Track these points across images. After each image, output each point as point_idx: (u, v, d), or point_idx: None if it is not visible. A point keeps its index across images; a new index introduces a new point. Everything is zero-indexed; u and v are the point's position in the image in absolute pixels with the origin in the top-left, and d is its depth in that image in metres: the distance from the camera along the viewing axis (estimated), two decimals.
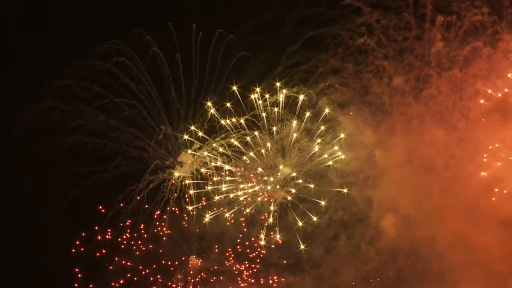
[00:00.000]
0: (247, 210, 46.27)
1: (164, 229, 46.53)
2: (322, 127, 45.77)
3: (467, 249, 42.29)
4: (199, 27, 44.13)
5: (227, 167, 46.00)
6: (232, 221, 46.36)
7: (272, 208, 46.08)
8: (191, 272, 46.63)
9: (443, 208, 42.79)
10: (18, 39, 44.64)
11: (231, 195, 46.24)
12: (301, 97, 44.87)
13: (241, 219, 46.48)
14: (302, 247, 45.75)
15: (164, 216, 46.23)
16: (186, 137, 45.95)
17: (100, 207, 45.19)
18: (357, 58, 44.11)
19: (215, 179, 46.28)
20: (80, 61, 43.61)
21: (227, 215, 46.19)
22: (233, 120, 45.57)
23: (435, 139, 43.02)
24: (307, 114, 45.72)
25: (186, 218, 46.61)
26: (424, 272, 44.29)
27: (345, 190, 45.46)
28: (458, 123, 43.51)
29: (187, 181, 46.32)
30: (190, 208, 46.18)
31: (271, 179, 46.53)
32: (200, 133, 46.05)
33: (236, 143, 46.00)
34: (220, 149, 46.15)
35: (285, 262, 46.35)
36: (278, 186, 46.35)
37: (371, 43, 43.41)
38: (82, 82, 44.10)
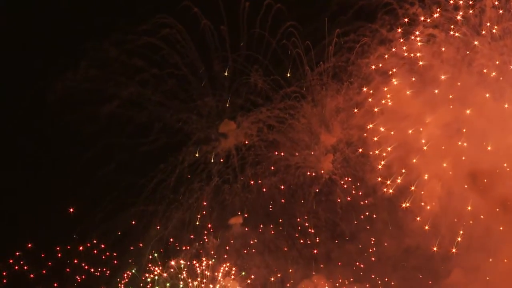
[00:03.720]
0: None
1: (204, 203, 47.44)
2: None
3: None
4: None
5: None
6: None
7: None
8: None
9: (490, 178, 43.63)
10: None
11: None
12: None
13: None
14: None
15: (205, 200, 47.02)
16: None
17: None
18: (407, 28, 44.26)
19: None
20: (125, 35, 43.81)
21: None
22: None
23: (485, 110, 43.43)
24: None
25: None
26: (467, 244, 44.97)
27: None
28: (506, 93, 43.85)
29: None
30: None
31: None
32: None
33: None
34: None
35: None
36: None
37: (421, 12, 43.55)
38: (126, 55, 44.35)
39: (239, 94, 46.66)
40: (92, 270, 46.23)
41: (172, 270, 46.70)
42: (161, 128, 46.13)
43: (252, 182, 47.48)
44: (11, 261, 43.78)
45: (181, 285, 46.69)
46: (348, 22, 44.32)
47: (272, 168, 47.36)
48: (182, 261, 46.74)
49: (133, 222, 46.51)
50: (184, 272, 46.40)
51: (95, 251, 46.11)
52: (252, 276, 47.26)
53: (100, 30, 43.68)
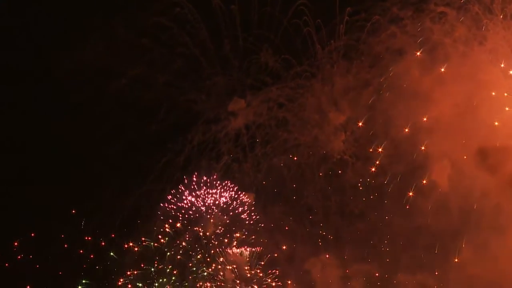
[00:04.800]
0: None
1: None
2: None
3: None
4: None
5: None
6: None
7: None
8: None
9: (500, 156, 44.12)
10: None
11: None
12: None
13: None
14: None
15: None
16: None
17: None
18: (419, 5, 44.46)
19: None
20: (135, 14, 44.20)
21: None
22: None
23: (495, 88, 43.85)
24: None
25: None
26: (478, 225, 45.30)
27: None
28: None
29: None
30: None
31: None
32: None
33: None
34: None
35: None
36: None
37: None
38: (136, 34, 44.63)
39: (249, 73, 47.03)
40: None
41: (164, 240, 46.78)
42: (170, 108, 46.52)
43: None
44: (14, 250, 44.19)
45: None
46: (359, 0, 44.56)
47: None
48: (179, 225, 46.89)
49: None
50: (183, 242, 46.52)
51: (103, 243, 46.55)
52: (276, 254, 47.68)
53: (110, 9, 44.05)
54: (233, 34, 45.91)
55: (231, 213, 48.56)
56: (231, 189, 48.73)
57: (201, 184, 48.44)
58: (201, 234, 46.91)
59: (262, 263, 47.21)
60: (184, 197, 48.28)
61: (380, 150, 47.11)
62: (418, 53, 45.21)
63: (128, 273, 45.20)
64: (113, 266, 45.87)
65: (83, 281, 44.94)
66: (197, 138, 47.22)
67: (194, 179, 48.42)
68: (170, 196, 47.84)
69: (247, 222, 48.36)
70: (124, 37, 44.82)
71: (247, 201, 48.44)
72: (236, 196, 48.74)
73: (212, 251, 46.72)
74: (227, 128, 47.47)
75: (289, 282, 47.34)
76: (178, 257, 46.26)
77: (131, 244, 45.64)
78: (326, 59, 46.36)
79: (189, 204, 48.24)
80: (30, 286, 44.17)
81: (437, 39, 44.79)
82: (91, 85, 44.06)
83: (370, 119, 47.24)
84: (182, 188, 48.51)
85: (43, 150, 45.13)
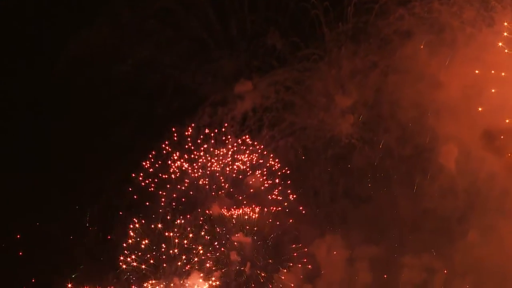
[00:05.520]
0: None
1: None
2: None
3: None
4: None
5: None
6: None
7: None
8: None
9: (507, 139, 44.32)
10: None
11: None
12: None
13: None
14: None
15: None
16: None
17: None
18: None
19: None
20: None
21: None
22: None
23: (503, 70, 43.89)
24: None
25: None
26: (484, 208, 45.62)
27: None
28: None
29: None
30: None
31: None
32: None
33: None
34: None
35: None
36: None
37: None
38: (142, 17, 45.01)
39: (256, 56, 47.15)
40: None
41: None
42: (176, 90, 47.02)
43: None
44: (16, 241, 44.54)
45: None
46: None
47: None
48: (180, 208, 46.69)
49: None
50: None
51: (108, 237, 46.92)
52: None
53: None
54: (240, 16, 45.95)
55: (251, 190, 48.33)
56: (252, 148, 48.12)
57: (199, 140, 47.25)
58: (202, 219, 46.75)
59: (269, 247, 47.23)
60: (170, 162, 47.40)
61: (387, 133, 47.28)
62: (427, 37, 45.12)
63: (129, 259, 45.13)
64: (114, 256, 46.01)
65: (81, 267, 45.26)
66: (203, 120, 47.11)
67: (190, 131, 47.30)
68: (147, 164, 47.03)
69: (280, 209, 47.67)
70: (130, 19, 44.91)
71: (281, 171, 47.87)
72: (261, 161, 48.00)
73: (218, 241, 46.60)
74: (233, 110, 47.41)
75: (291, 264, 47.46)
76: (177, 241, 46.21)
77: (131, 229, 45.65)
78: (333, 41, 46.44)
79: (179, 174, 47.33)
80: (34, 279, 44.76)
81: (445, 21, 44.50)
82: (97, 68, 44.50)
83: (377, 102, 47.30)
84: (168, 148, 47.71)
85: (44, 140, 45.80)
